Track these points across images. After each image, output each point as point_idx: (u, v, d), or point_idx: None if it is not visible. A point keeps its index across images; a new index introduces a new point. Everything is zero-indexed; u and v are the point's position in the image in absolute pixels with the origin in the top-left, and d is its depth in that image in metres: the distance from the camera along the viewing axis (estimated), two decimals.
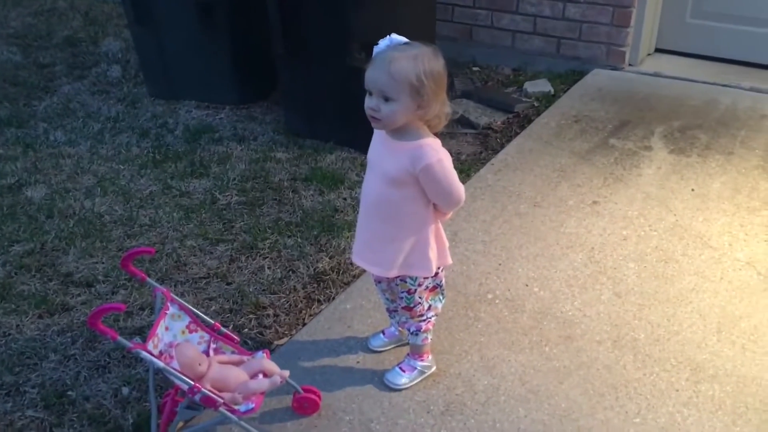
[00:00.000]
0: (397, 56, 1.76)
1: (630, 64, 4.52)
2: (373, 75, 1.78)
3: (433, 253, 1.99)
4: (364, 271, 2.71)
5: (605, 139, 3.68)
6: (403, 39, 1.83)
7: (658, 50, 4.69)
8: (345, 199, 3.24)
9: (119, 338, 1.69)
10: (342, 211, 3.14)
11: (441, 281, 2.12)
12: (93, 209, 3.15)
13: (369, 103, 1.80)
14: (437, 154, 1.84)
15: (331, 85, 3.54)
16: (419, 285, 2.05)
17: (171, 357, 1.86)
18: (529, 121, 3.95)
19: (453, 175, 1.88)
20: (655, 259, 2.78)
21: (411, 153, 1.84)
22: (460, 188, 1.90)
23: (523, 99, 4.22)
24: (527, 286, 2.64)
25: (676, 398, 2.15)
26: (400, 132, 1.86)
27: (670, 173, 3.36)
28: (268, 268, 2.78)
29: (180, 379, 1.75)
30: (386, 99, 1.78)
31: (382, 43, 1.82)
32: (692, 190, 3.22)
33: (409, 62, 1.75)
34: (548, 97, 4.23)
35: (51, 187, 3.34)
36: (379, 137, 1.95)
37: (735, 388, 2.19)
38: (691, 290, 2.61)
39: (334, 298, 2.62)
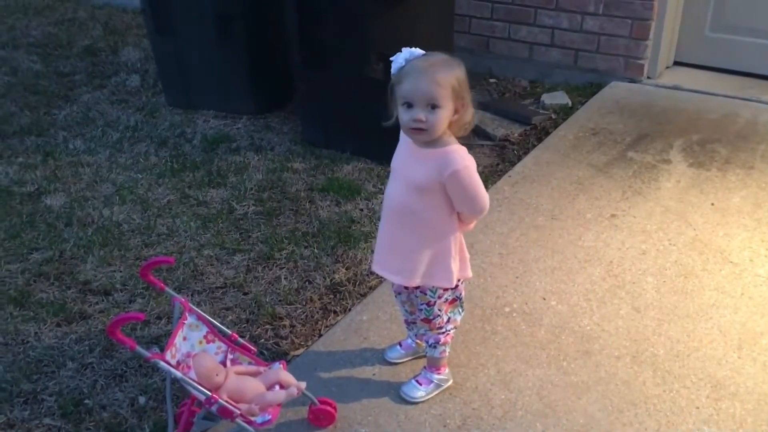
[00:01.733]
0: (432, 64, 1.80)
1: (648, 77, 4.49)
2: (417, 86, 1.79)
3: (455, 265, 1.98)
4: (381, 282, 2.71)
5: (623, 152, 3.66)
6: (420, 51, 1.85)
7: (677, 63, 4.67)
8: (362, 209, 3.24)
9: (138, 348, 1.69)
10: (359, 222, 3.14)
11: (460, 294, 2.11)
12: (111, 218, 3.17)
13: (413, 114, 1.80)
14: (464, 160, 1.86)
15: (349, 95, 3.55)
16: (439, 297, 2.04)
17: (188, 367, 1.86)
18: (547, 134, 3.93)
19: (478, 181, 1.90)
20: (675, 273, 2.75)
21: (439, 160, 1.85)
22: (485, 195, 1.91)
23: (541, 111, 4.21)
24: (545, 299, 2.63)
25: (697, 416, 2.13)
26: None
27: (690, 187, 3.33)
28: (285, 278, 2.78)
29: (197, 389, 1.75)
30: (433, 107, 1.79)
31: (401, 56, 1.84)
32: (712, 204, 3.19)
33: (446, 68, 1.80)
34: (566, 109, 4.22)
35: (70, 195, 3.36)
36: (404, 145, 1.95)
37: (756, 405, 2.16)
38: (711, 306, 2.58)
39: (350, 310, 2.61)
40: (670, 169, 3.50)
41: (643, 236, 2.98)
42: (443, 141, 1.87)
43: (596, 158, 3.62)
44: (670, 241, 2.95)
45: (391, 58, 1.85)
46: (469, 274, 2.08)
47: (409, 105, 1.81)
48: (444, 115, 1.80)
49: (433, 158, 1.86)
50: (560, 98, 4.32)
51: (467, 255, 2.06)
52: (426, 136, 1.84)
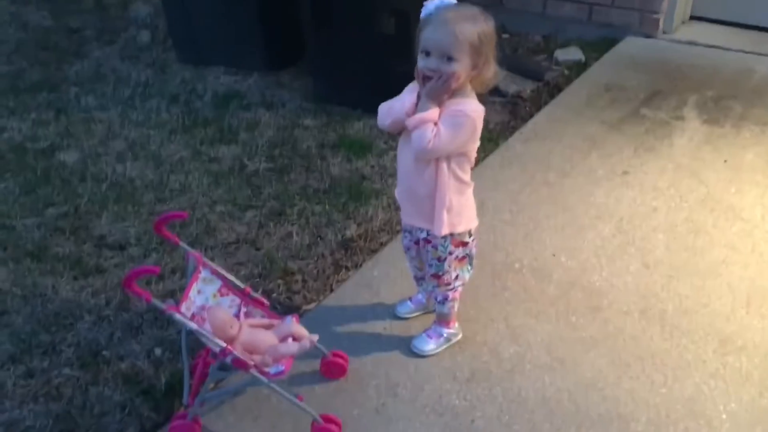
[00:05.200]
0: (457, 16, 1.78)
1: (664, 32, 4.43)
2: (434, 36, 1.79)
3: (447, 215, 1.96)
4: (392, 238, 2.74)
5: (637, 109, 3.63)
6: (452, 0, 1.83)
7: (693, 18, 4.60)
8: (372, 166, 3.24)
9: (153, 300, 1.72)
10: (369, 179, 3.14)
11: (471, 251, 2.12)
12: (124, 174, 3.20)
13: (428, 63, 1.80)
14: (473, 110, 1.85)
15: (360, 51, 3.52)
16: (450, 254, 2.05)
17: (203, 319, 1.89)
18: (559, 90, 3.90)
19: (472, 132, 1.87)
20: (685, 230, 2.75)
21: (449, 107, 1.84)
22: (465, 141, 1.88)
23: (554, 67, 4.16)
24: (554, 256, 2.64)
25: (703, 370, 2.15)
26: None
27: (703, 144, 3.31)
28: (296, 234, 2.81)
29: (212, 341, 1.79)
30: (449, 59, 1.78)
31: (431, 4, 1.82)
32: (725, 161, 3.18)
33: (470, 23, 1.78)
34: (579, 65, 4.17)
35: (83, 151, 3.38)
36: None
37: (763, 360, 2.18)
38: (721, 262, 2.58)
39: (361, 265, 2.64)
40: (683, 125, 3.47)
41: (655, 193, 2.97)
42: (463, 94, 1.87)
43: (609, 115, 3.59)
44: (681, 197, 2.94)
45: (425, 2, 1.84)
46: (461, 229, 2.02)
47: (427, 53, 1.80)
48: (458, 69, 1.79)
49: (445, 106, 1.85)
50: (574, 54, 4.26)
51: (467, 212, 2.02)
52: (438, 86, 1.81)
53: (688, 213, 2.85)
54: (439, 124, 1.84)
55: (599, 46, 4.38)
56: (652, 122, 3.50)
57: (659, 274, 2.54)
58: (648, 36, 4.41)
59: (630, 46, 4.35)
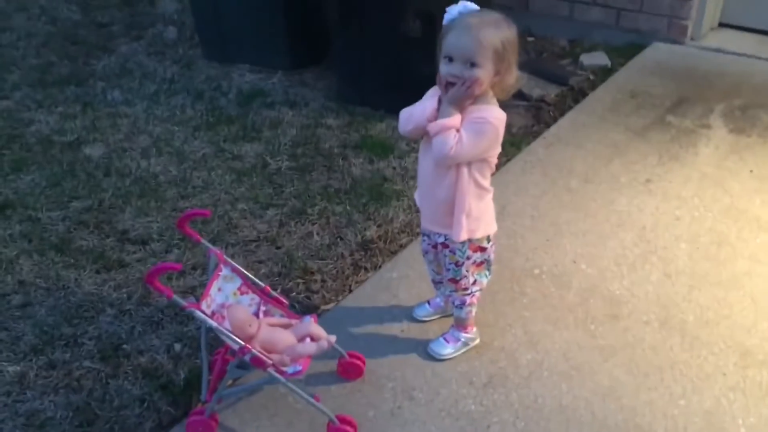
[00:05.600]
0: (480, 22, 1.78)
1: (692, 39, 4.38)
2: (458, 41, 1.78)
3: (466, 221, 1.95)
4: (411, 240, 2.74)
5: (662, 116, 3.60)
6: (475, 6, 1.83)
7: (721, 25, 4.54)
8: (394, 168, 3.24)
9: (174, 297, 1.74)
10: (391, 180, 3.15)
11: (489, 256, 2.12)
12: (148, 169, 3.23)
13: (451, 69, 1.80)
14: (494, 117, 1.84)
15: (384, 53, 3.53)
16: (467, 258, 2.05)
17: (223, 317, 1.91)
18: (584, 95, 3.88)
19: (494, 138, 1.87)
20: (708, 240, 2.72)
21: (471, 113, 1.84)
22: (487, 148, 1.88)
23: (579, 72, 4.14)
24: (575, 262, 2.63)
25: (723, 382, 2.13)
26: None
27: (729, 153, 3.27)
28: (317, 234, 2.82)
29: (231, 339, 1.80)
30: (472, 65, 1.78)
31: (454, 9, 1.82)
32: (751, 171, 3.14)
33: (493, 29, 1.78)
34: (605, 70, 4.14)
35: (108, 145, 3.42)
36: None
37: None
38: (744, 274, 2.56)
39: (380, 267, 2.64)
40: (709, 134, 3.43)
41: (678, 202, 2.95)
42: (484, 100, 1.87)
43: (634, 121, 3.56)
44: (705, 207, 2.91)
45: (447, 8, 1.83)
46: (479, 235, 2.02)
47: (450, 59, 1.80)
48: (481, 75, 1.79)
49: (467, 112, 1.85)
50: (599, 59, 4.23)
51: (486, 217, 2.02)
52: (461, 92, 1.81)
53: (712, 223, 2.82)
54: (461, 130, 1.84)
55: (626, 51, 4.35)
56: (678, 130, 3.47)
57: (681, 284, 2.52)
58: (675, 42, 4.37)
59: (657, 52, 4.31)
